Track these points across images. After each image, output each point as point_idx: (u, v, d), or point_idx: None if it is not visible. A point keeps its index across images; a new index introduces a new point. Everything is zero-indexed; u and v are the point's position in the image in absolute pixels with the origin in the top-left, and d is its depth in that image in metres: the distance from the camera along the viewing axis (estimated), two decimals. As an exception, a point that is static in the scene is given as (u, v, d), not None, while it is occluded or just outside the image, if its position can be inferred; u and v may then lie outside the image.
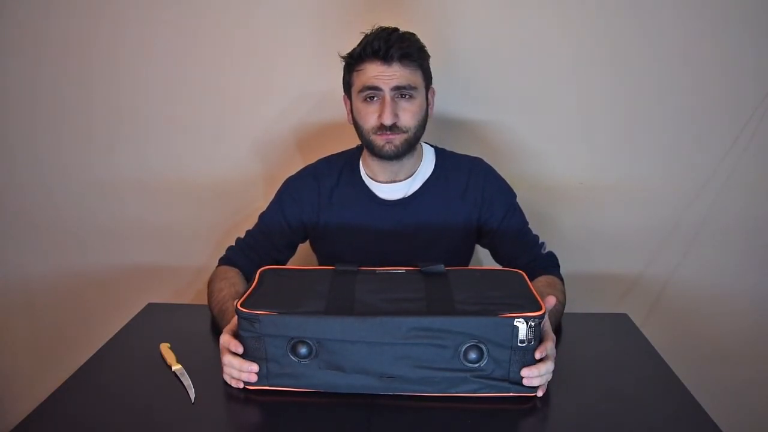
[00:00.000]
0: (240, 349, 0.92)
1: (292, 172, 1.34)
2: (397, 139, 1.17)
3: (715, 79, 1.43)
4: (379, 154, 1.20)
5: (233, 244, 1.33)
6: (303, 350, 0.89)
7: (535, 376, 0.90)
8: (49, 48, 1.51)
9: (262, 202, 1.34)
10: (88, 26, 1.49)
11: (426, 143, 1.32)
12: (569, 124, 1.49)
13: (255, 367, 0.91)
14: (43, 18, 1.49)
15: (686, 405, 0.92)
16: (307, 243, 1.37)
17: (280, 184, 1.33)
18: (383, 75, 1.14)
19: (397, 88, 1.15)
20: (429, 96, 1.24)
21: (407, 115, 1.17)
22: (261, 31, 1.47)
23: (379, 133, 1.17)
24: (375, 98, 1.17)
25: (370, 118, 1.18)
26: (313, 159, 1.34)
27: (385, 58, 1.13)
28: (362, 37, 1.19)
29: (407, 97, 1.17)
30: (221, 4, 1.46)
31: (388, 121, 1.15)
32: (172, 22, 1.47)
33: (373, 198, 1.26)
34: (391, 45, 1.13)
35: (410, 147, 1.20)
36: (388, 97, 1.15)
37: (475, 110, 1.49)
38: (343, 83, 1.24)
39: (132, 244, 1.64)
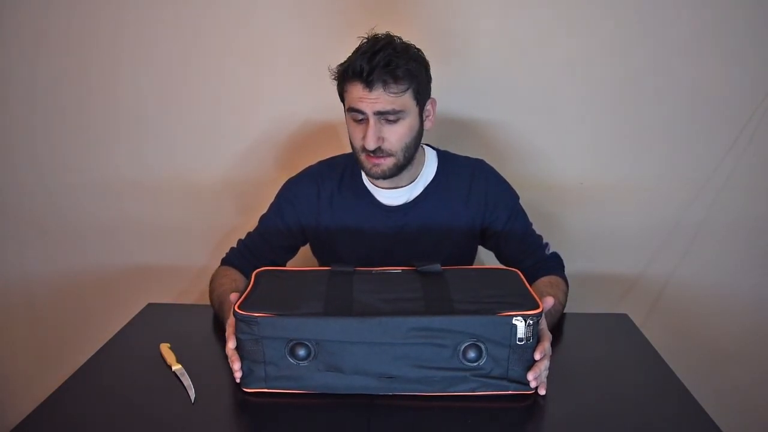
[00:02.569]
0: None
1: (292, 173, 1.33)
2: (384, 164, 1.15)
3: (715, 79, 1.43)
4: (367, 174, 1.19)
5: (234, 245, 1.33)
6: (302, 352, 0.89)
7: (537, 376, 0.90)
8: (49, 48, 1.51)
9: (262, 203, 1.34)
10: (88, 27, 1.49)
11: (427, 145, 1.30)
12: (570, 125, 1.49)
13: (236, 366, 0.92)
14: (43, 18, 1.49)
15: (686, 405, 0.92)
16: (308, 246, 1.36)
17: (280, 186, 1.33)
18: (366, 98, 1.10)
19: (379, 113, 1.11)
20: (428, 107, 1.19)
21: (393, 138, 1.13)
22: (259, 33, 1.47)
23: (364, 155, 1.15)
24: (361, 120, 1.13)
25: (356, 138, 1.15)
26: (310, 161, 1.34)
27: (367, 82, 1.08)
28: (359, 42, 1.15)
29: (393, 120, 1.12)
30: (220, 6, 1.46)
31: (370, 146, 1.11)
32: (172, 24, 1.47)
33: (375, 203, 1.25)
34: (373, 68, 1.07)
35: (400, 169, 1.17)
36: (371, 121, 1.11)
37: (475, 110, 1.49)
38: (338, 93, 1.20)
39: (132, 244, 1.64)
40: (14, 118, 1.57)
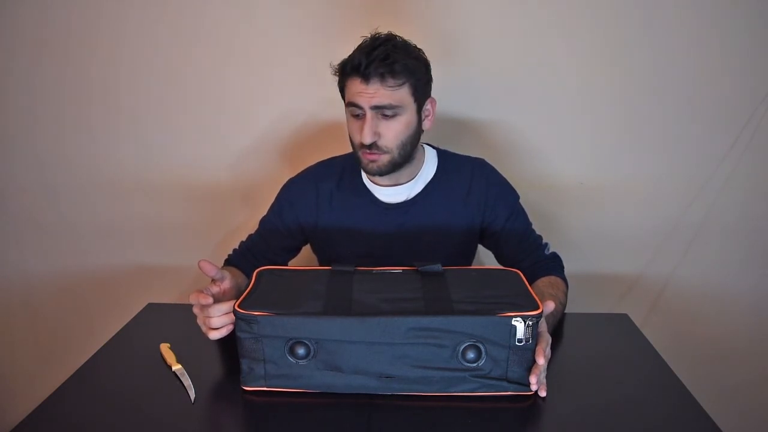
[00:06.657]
0: (209, 300, 0.96)
1: (295, 172, 1.34)
2: (380, 161, 1.15)
3: (715, 79, 1.43)
4: (365, 170, 1.20)
5: (236, 246, 1.33)
6: (301, 351, 0.89)
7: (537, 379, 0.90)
8: (49, 48, 1.51)
9: (264, 203, 1.34)
10: (88, 26, 1.49)
11: (427, 144, 1.30)
12: (570, 124, 1.49)
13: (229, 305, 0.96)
14: (43, 18, 1.49)
15: (686, 405, 0.92)
16: (309, 245, 1.37)
17: (281, 186, 1.33)
18: (364, 93, 1.10)
19: (376, 108, 1.11)
20: (428, 106, 1.20)
21: (390, 134, 1.13)
22: (261, 34, 1.47)
23: (362, 151, 1.16)
24: (359, 115, 1.14)
25: (354, 133, 1.16)
26: (313, 160, 1.34)
27: (364, 76, 1.09)
28: (361, 40, 1.15)
29: (389, 116, 1.12)
30: (222, 6, 1.46)
31: (366, 140, 1.12)
32: (173, 22, 1.47)
33: (375, 201, 1.25)
34: (371, 61, 1.08)
35: (395, 167, 1.17)
36: (368, 115, 1.11)
37: (476, 110, 1.49)
38: (339, 89, 1.21)
39: (132, 244, 1.64)
40: (15, 117, 1.57)
